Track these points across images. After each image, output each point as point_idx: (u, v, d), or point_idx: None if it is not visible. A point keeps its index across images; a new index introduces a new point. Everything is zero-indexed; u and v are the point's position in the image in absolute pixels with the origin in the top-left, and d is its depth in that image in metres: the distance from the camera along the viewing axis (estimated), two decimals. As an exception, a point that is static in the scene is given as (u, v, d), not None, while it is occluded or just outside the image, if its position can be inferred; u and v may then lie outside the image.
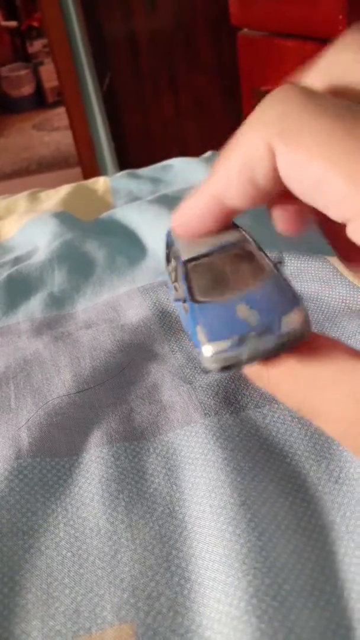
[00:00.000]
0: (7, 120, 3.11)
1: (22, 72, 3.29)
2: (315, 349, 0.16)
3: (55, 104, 3.03)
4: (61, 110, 2.33)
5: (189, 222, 0.20)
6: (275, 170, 0.17)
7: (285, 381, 0.17)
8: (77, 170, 2.00)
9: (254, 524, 0.21)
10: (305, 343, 0.16)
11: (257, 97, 1.29)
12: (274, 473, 0.23)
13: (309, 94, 0.17)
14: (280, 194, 0.18)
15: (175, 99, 1.88)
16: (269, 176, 0.17)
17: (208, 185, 0.19)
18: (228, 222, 0.20)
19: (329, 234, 0.21)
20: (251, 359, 0.16)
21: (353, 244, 0.19)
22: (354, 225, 0.16)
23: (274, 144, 0.16)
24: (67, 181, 0.67)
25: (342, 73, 0.18)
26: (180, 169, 0.62)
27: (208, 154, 0.64)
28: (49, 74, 3.03)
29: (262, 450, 0.24)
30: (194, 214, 0.19)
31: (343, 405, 0.16)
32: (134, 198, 0.58)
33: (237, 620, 0.18)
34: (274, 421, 0.25)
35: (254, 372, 0.18)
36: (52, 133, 2.86)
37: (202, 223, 0.19)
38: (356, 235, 0.16)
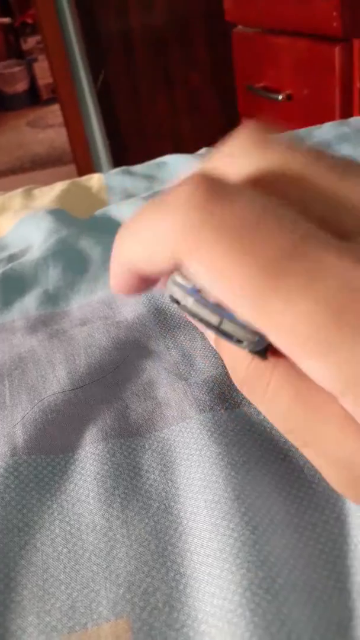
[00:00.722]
0: (0, 118, 3.10)
1: (16, 69, 3.28)
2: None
3: (50, 101, 3.02)
4: (55, 107, 2.32)
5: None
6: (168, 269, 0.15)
7: (284, 395, 0.16)
8: (72, 168, 1.99)
9: (247, 518, 0.21)
10: None
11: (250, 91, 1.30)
12: (268, 468, 0.23)
13: (216, 197, 0.14)
14: None
15: (170, 96, 1.88)
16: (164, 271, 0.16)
17: (123, 252, 0.17)
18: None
19: None
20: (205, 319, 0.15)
21: None
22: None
23: (183, 263, 0.14)
24: (62, 179, 0.67)
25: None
26: (175, 166, 0.62)
27: (203, 150, 0.64)
28: (43, 71, 3.02)
29: (256, 445, 0.24)
30: (117, 282, 0.18)
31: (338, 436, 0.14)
32: (128, 195, 0.58)
33: (231, 613, 0.18)
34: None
35: (253, 377, 0.16)
36: (47, 130, 2.85)
37: (128, 290, 0.17)
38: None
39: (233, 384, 0.28)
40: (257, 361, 0.16)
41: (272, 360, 0.16)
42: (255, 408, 0.26)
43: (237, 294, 0.13)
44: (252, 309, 0.13)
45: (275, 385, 0.16)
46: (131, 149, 1.93)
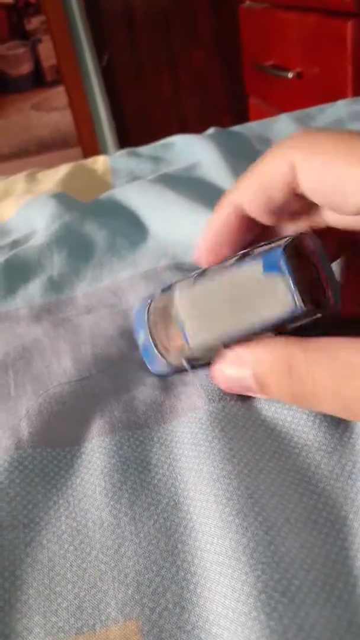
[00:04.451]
0: (5, 101, 3.06)
1: (20, 51, 3.22)
2: None
3: (54, 83, 2.97)
4: (60, 89, 2.29)
5: (214, 230, 0.24)
6: (289, 185, 0.21)
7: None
8: (77, 150, 1.97)
9: (262, 517, 0.20)
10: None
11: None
12: (283, 464, 0.22)
13: (316, 131, 0.21)
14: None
15: (175, 75, 1.84)
16: (284, 190, 0.21)
17: (231, 195, 0.23)
18: (250, 238, 0.24)
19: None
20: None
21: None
22: None
23: (295, 159, 0.21)
24: (68, 162, 0.66)
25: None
26: (182, 147, 0.60)
27: (210, 130, 0.62)
28: (47, 52, 2.96)
29: (269, 439, 0.23)
30: (218, 220, 0.24)
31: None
32: (134, 177, 0.57)
33: (245, 616, 0.17)
34: (280, 409, 0.25)
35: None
36: (52, 113, 2.81)
37: (225, 229, 0.24)
38: None
39: None
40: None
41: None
42: (266, 400, 0.25)
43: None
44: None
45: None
46: (136, 130, 1.90)
